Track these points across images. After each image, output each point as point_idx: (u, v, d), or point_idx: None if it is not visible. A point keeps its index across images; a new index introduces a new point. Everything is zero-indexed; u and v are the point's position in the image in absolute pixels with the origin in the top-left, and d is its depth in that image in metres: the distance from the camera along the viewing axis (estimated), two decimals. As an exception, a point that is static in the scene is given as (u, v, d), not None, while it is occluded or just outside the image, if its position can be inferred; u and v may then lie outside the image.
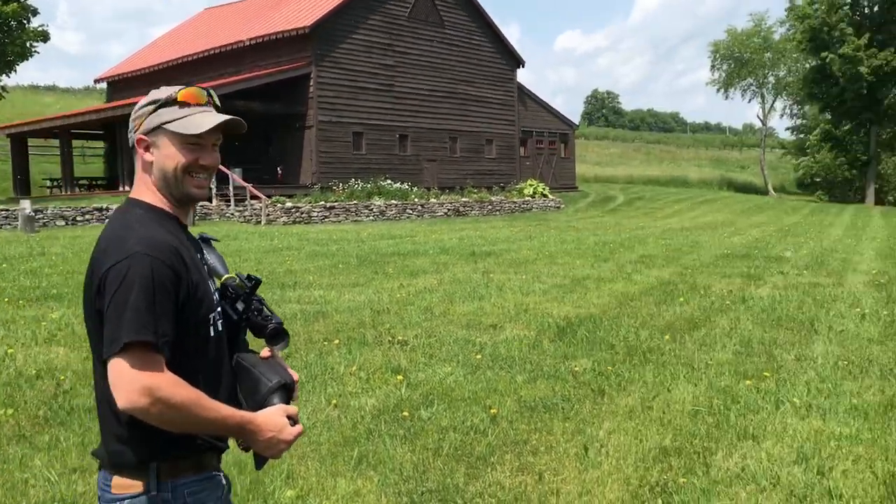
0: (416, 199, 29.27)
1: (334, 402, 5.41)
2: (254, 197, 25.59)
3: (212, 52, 31.98)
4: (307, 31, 28.48)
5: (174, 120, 1.77)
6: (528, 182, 34.43)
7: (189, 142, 1.78)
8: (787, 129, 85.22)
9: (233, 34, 32.59)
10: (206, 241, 1.99)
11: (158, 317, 1.63)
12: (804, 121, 62.52)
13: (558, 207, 34.01)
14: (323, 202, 26.49)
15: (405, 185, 30.11)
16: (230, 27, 34.48)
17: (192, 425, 1.67)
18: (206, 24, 38.28)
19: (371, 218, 27.48)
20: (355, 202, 27.37)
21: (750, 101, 70.69)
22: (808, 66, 46.88)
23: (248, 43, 30.65)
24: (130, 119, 1.84)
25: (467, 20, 34.50)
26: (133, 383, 1.58)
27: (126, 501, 1.71)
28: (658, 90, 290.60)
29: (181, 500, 1.72)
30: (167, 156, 1.78)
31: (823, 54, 40.38)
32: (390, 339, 7.36)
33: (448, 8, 33.58)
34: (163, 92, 1.81)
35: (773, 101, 59.82)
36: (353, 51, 30.13)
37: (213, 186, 24.02)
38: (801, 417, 5.14)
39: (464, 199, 30.94)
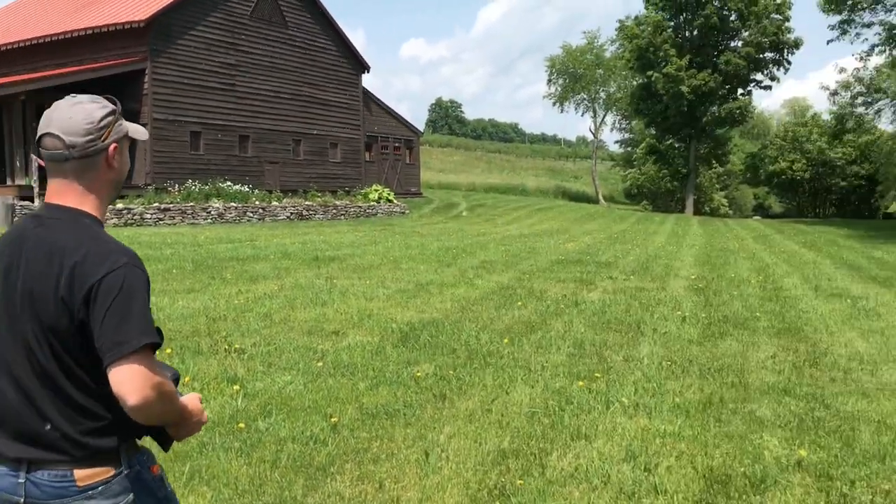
0: (257, 202, 28.51)
1: (165, 415, 5.11)
2: (80, 197, 23.95)
3: (36, 41, 29.60)
4: (142, 25, 27.01)
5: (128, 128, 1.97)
6: (374, 187, 34.44)
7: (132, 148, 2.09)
8: (616, 142, 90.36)
9: (61, 23, 30.33)
10: None
11: (152, 321, 1.79)
12: (631, 135, 66.56)
13: (403, 213, 34.23)
14: (157, 203, 25.23)
15: (246, 188, 29.24)
16: (58, 15, 32.10)
17: (168, 414, 1.84)
18: (31, 9, 35.42)
19: (209, 220, 26.48)
20: (192, 204, 26.27)
21: (583, 114, 74.51)
22: (635, 83, 49.90)
23: (77, 34, 28.66)
24: (85, 127, 1.85)
25: (311, 22, 34.04)
26: (147, 381, 1.71)
27: (99, 488, 1.79)
28: (498, 101, 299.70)
29: (141, 470, 1.88)
30: (125, 163, 1.93)
31: (649, 73, 43.16)
32: (227, 347, 7.08)
33: (291, 8, 32.97)
34: (103, 99, 1.94)
35: (604, 116, 63.31)
36: (193, 47, 28.92)
37: (34, 184, 22.33)
38: (629, 416, 5.41)
39: (307, 203, 30.48)
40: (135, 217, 24.21)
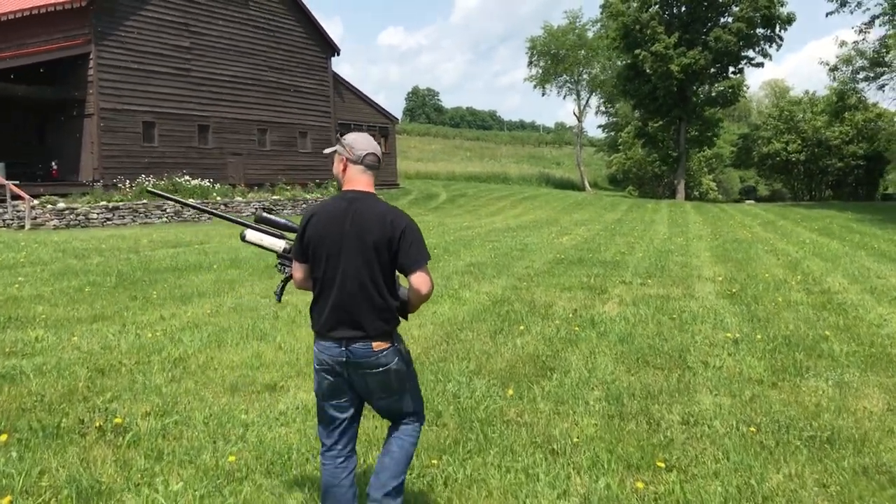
0: (218, 198, 26.05)
1: None
2: (17, 197, 21.41)
3: (-33, 24, 26.91)
4: (84, 4, 24.40)
5: None
6: (346, 178, 32.01)
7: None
8: (599, 126, 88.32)
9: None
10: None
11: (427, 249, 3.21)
12: (616, 118, 64.43)
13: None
14: (105, 202, 22.75)
15: (206, 183, 26.77)
16: (-7, -3, 29.36)
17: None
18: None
19: (164, 220, 24.05)
20: (145, 202, 23.79)
21: (565, 98, 72.33)
22: (620, 64, 47.73)
23: (14, 16, 25.95)
24: (380, 152, 3.37)
25: (274, 1, 31.47)
26: (430, 280, 3.19)
27: (385, 351, 3.15)
28: (477, 88, 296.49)
29: (400, 346, 3.26)
30: None
31: (636, 52, 40.91)
32: (102, 423, 4.78)
33: (252, -15, 30.41)
34: None
35: (588, 99, 61.06)
36: (142, 29, 26.30)
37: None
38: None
39: (275, 198, 28.08)
40: (79, 218, 21.72)
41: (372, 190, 3.21)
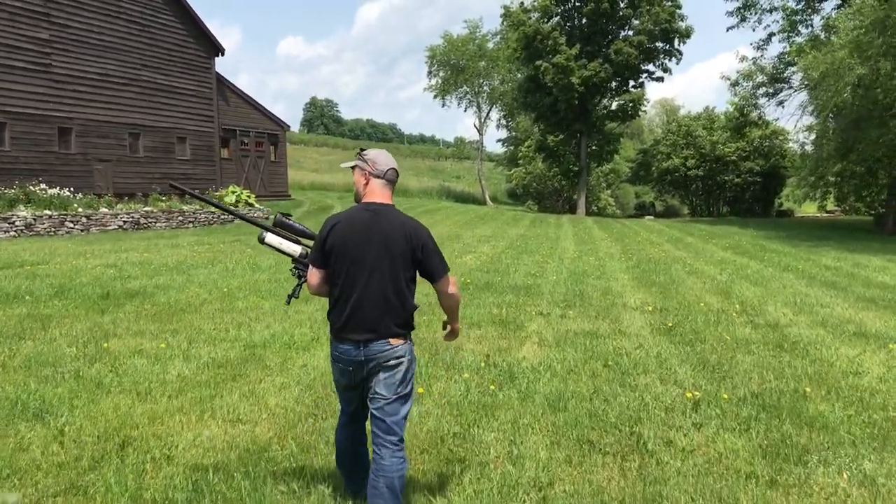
0: (80, 209, 23.01)
1: None
2: None
3: None
4: (-83, -15, 21.11)
5: None
6: (230, 189, 29.34)
7: None
8: (499, 140, 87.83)
9: None
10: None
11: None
12: (515, 133, 63.73)
13: (267, 218, 29.33)
14: (-64, 214, 19.48)
15: (67, 192, 23.67)
16: None
17: (454, 308, 3.63)
18: None
19: (12, 233, 20.87)
20: (-12, 214, 20.59)
21: (466, 109, 71.42)
22: (520, 76, 46.75)
23: None
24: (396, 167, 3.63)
25: (150, -7, 28.58)
26: (455, 283, 3.50)
27: (400, 346, 3.38)
28: (378, 102, 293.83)
29: (412, 347, 3.50)
30: None
31: (537, 63, 39.83)
32: None
33: (125, -25, 27.46)
34: None
35: (489, 111, 59.99)
36: (-10, 16, 23.09)
37: None
38: None
39: (147, 209, 25.15)
40: None
41: (391, 202, 3.48)
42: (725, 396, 5.78)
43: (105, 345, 7.01)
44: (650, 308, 9.88)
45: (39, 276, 11.54)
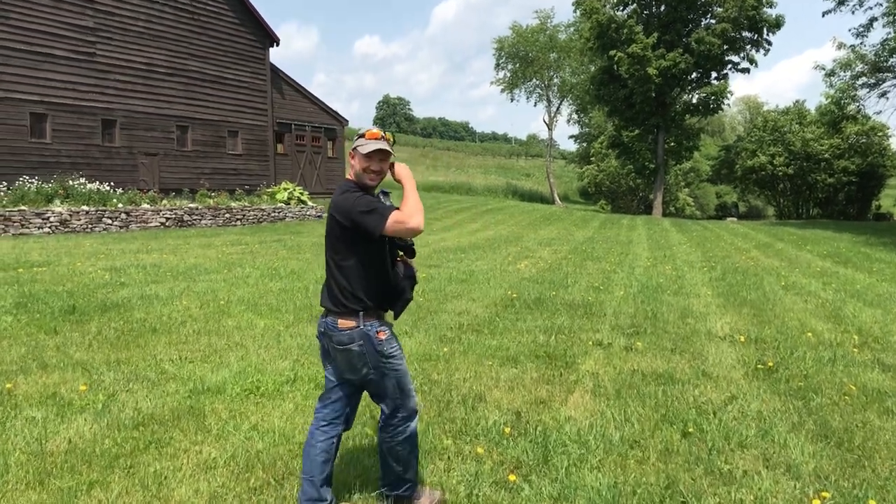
0: (119, 205, 21.88)
1: None
2: None
3: None
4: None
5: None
6: (283, 185, 27.94)
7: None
8: (571, 137, 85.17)
9: None
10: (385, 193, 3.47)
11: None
12: (588, 128, 61.10)
13: (319, 216, 27.83)
14: (-35, 208, 18.55)
15: (106, 187, 22.60)
16: None
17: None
18: None
19: (47, 230, 19.83)
20: (23, 209, 19.57)
21: (536, 104, 69.14)
22: (593, 68, 44.24)
23: None
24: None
25: (202, -20, 27.42)
26: (407, 213, 3.32)
27: (348, 331, 3.28)
28: (451, 100, 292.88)
29: (370, 331, 3.30)
30: (356, 164, 3.42)
31: (612, 53, 37.36)
32: None
33: (175, -39, 26.33)
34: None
35: (559, 105, 57.50)
36: (33, 4, 22.19)
37: None
38: None
39: (191, 206, 23.92)
40: (-74, 227, 17.50)
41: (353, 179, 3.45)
42: (860, 495, 3.67)
43: (8, 385, 5.31)
44: (742, 338, 7.69)
45: (18, 283, 10.05)
